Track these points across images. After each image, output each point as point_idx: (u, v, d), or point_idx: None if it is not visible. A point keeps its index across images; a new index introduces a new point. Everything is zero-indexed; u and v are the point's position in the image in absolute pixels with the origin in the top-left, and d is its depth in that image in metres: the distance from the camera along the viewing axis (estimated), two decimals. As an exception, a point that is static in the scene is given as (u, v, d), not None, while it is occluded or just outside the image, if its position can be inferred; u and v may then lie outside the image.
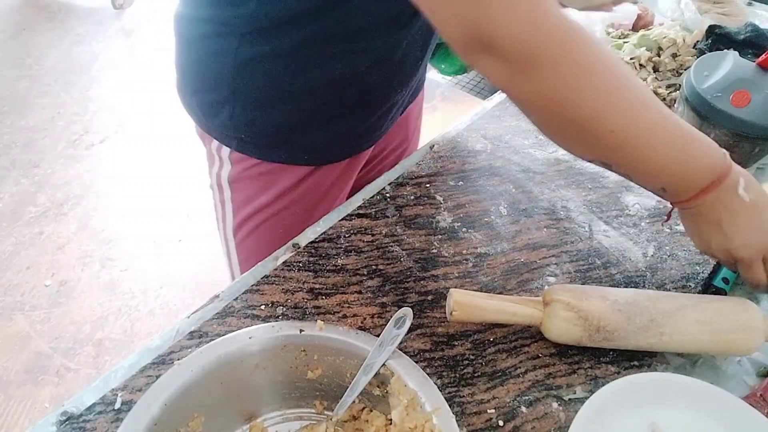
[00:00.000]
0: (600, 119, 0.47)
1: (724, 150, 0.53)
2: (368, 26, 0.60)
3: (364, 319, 0.58)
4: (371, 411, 0.51)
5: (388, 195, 0.72)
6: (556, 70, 0.44)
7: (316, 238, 0.66)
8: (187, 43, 0.67)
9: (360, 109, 0.70)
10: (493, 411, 0.52)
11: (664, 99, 0.91)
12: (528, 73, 0.44)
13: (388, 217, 0.70)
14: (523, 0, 0.41)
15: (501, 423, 0.51)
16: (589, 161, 0.53)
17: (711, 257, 0.57)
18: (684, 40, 0.96)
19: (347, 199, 0.76)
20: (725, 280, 0.64)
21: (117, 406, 0.50)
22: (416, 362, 0.48)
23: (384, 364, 0.47)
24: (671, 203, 0.55)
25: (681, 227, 0.69)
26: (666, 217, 0.64)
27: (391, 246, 0.66)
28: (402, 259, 0.65)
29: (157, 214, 2.04)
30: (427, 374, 0.47)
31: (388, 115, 0.75)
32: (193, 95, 0.72)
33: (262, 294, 0.60)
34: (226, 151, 0.73)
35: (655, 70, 0.96)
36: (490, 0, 0.41)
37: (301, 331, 0.49)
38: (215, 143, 0.73)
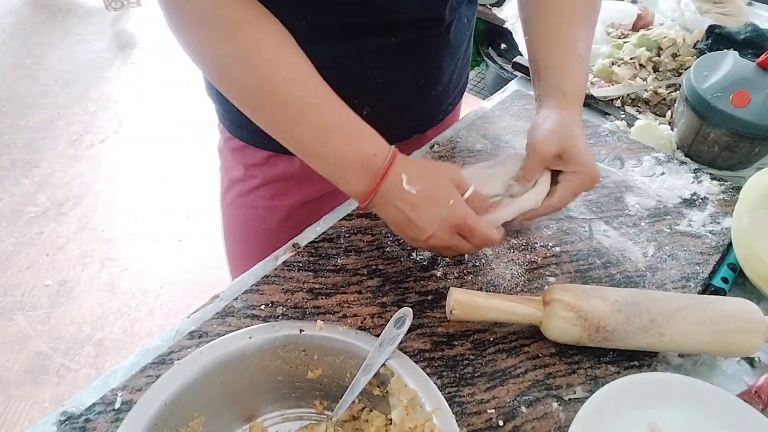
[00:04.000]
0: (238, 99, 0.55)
1: (386, 149, 0.55)
2: (313, 26, 0.59)
3: (364, 319, 0.58)
4: (371, 411, 0.51)
5: (388, 195, 0.72)
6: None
7: (316, 238, 0.66)
8: None
9: None
10: (493, 411, 0.52)
11: (664, 99, 0.91)
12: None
13: (388, 217, 0.69)
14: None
15: (501, 423, 0.51)
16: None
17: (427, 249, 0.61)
18: (684, 40, 0.96)
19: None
20: (725, 280, 0.64)
21: (117, 406, 0.50)
22: (416, 362, 0.48)
23: (384, 364, 0.47)
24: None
25: (681, 227, 0.70)
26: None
27: (391, 246, 0.66)
28: (402, 259, 0.65)
29: (157, 214, 2.04)
30: (427, 374, 0.47)
31: None
32: None
33: (262, 294, 0.60)
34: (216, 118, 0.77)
35: (655, 70, 0.96)
36: None
37: (301, 331, 0.50)
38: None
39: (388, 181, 0.54)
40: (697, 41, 0.96)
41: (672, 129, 0.85)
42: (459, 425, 0.45)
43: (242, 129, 0.74)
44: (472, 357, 0.56)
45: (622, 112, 0.90)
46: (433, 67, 0.71)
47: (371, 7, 0.59)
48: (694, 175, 0.77)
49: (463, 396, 0.53)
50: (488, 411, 0.52)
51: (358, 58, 0.64)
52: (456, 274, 0.64)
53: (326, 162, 0.55)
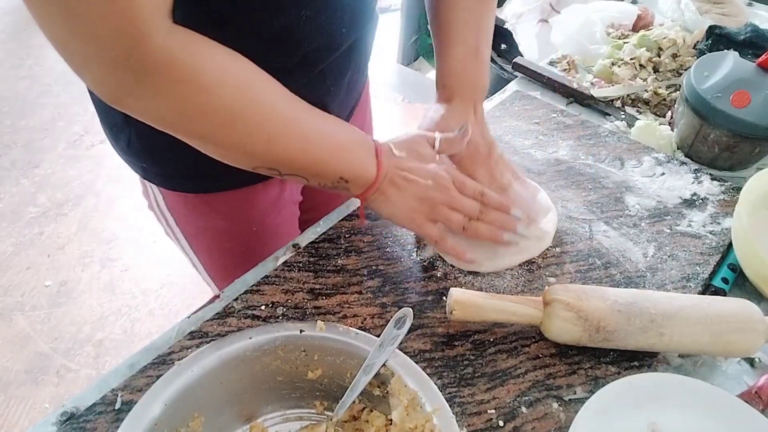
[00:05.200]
0: (224, 128, 0.48)
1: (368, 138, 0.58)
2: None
3: (365, 319, 0.58)
4: (371, 411, 0.51)
5: (388, 195, 0.72)
6: (163, 92, 0.43)
7: (317, 239, 0.66)
8: None
9: None
10: (493, 411, 0.52)
11: (664, 99, 0.91)
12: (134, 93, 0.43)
13: (388, 217, 0.69)
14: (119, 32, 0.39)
15: (501, 423, 0.51)
16: (256, 169, 0.54)
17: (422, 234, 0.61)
18: (684, 41, 0.96)
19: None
20: (725, 280, 0.64)
21: (117, 406, 0.50)
22: (416, 362, 0.48)
23: (384, 365, 0.47)
24: (360, 197, 0.59)
25: (681, 227, 0.70)
26: (359, 217, 0.69)
27: (392, 246, 0.66)
28: (402, 260, 0.65)
29: (157, 215, 2.04)
30: (428, 374, 0.47)
31: None
32: (101, 114, 0.66)
33: (263, 294, 0.60)
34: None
35: (656, 70, 0.96)
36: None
37: (301, 331, 0.50)
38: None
39: (384, 154, 0.57)
40: (697, 42, 0.97)
41: (672, 129, 0.85)
42: (459, 425, 0.45)
43: (183, 180, 0.69)
44: (472, 357, 0.56)
45: (622, 113, 0.90)
46: (366, 52, 0.71)
47: (328, 34, 0.58)
48: (694, 175, 0.77)
49: (464, 396, 0.53)
50: (488, 411, 0.52)
51: (313, 83, 0.62)
52: (456, 275, 0.64)
53: (333, 156, 0.55)
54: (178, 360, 0.47)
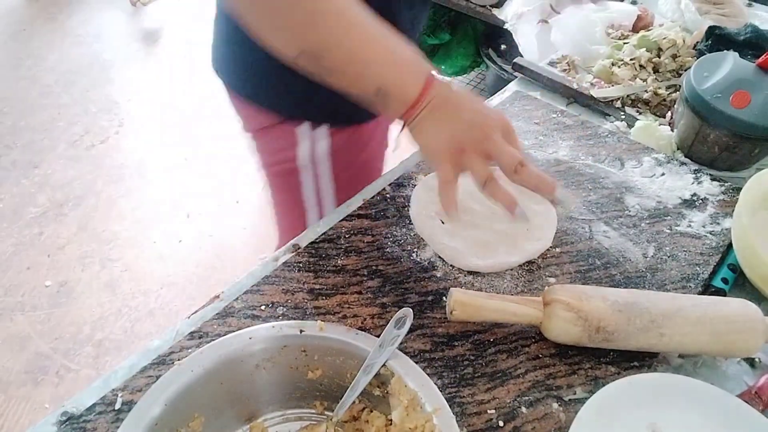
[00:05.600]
0: None
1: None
2: None
3: (365, 319, 0.58)
4: (371, 411, 0.51)
5: (388, 195, 0.72)
6: None
7: (317, 239, 0.66)
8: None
9: None
10: (493, 411, 0.52)
11: (664, 100, 0.91)
12: None
13: (388, 217, 0.70)
14: None
15: (501, 423, 0.51)
16: (298, 58, 0.53)
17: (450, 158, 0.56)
18: (684, 41, 0.96)
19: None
20: (725, 281, 0.64)
21: (117, 406, 0.50)
22: (416, 363, 0.48)
23: (384, 365, 0.47)
24: (402, 118, 0.56)
25: (681, 228, 0.70)
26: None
27: (392, 246, 0.66)
28: (402, 260, 0.65)
29: (157, 215, 2.04)
30: (428, 374, 0.47)
31: None
32: (283, 89, 0.72)
33: (263, 294, 0.60)
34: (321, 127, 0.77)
35: (655, 71, 0.96)
36: None
37: (301, 331, 0.50)
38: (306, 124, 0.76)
39: (437, 79, 0.54)
40: (697, 42, 0.97)
41: (672, 130, 0.85)
42: (459, 426, 0.45)
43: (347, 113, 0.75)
44: (472, 357, 0.56)
45: (622, 113, 0.90)
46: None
47: None
48: (694, 175, 0.78)
49: (464, 396, 0.53)
50: (488, 411, 0.52)
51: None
52: (456, 275, 0.64)
53: (377, 59, 0.53)
54: (178, 360, 0.47)
